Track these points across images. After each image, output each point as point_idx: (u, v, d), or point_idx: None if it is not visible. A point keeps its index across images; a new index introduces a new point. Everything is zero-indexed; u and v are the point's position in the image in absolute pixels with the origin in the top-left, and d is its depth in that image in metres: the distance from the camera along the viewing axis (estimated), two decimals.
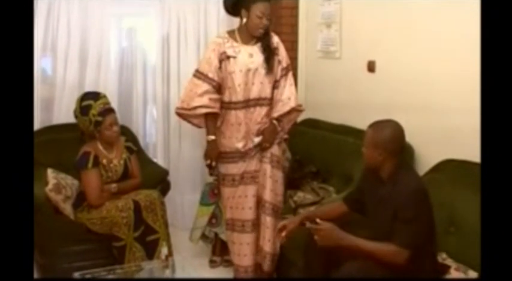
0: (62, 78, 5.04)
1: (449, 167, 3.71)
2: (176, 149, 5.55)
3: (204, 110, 4.05)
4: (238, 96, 4.04)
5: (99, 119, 4.17)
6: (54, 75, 5.08)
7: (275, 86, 4.11)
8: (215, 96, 4.06)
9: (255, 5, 3.92)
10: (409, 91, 4.30)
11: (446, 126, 3.95)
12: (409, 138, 4.20)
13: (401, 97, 4.38)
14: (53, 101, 5.08)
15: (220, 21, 5.46)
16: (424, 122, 4.16)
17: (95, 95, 4.31)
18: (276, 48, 4.13)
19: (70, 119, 4.72)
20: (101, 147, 4.27)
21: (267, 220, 4.06)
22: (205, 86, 4.03)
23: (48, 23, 4.94)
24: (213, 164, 4.11)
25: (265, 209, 4.08)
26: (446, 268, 3.14)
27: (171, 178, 5.06)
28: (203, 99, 4.02)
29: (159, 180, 4.85)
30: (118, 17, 5.35)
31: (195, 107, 4.05)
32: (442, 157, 3.81)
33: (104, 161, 4.25)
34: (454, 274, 3.10)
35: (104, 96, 4.34)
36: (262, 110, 4.09)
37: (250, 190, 4.10)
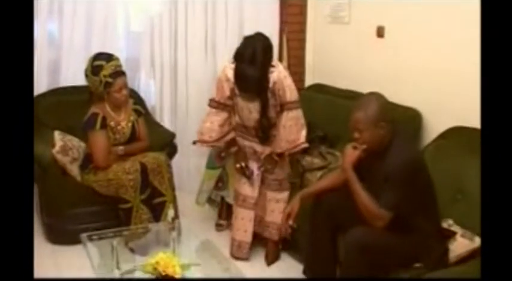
0: (69, 41, 5.03)
1: (457, 134, 3.71)
2: (183, 113, 5.55)
3: (229, 136, 4.17)
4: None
5: (110, 80, 4.14)
6: (61, 38, 5.06)
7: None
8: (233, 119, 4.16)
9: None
10: (418, 57, 4.27)
11: (456, 94, 3.93)
12: (417, 104, 4.22)
13: (410, 63, 4.36)
14: (60, 64, 5.07)
15: None
16: (432, 88, 4.15)
17: (107, 56, 4.26)
18: (275, 83, 3.92)
19: (77, 81, 4.72)
20: (109, 109, 4.25)
21: (274, 195, 4.07)
22: (224, 115, 4.09)
23: None
24: (243, 165, 4.15)
25: (268, 184, 4.06)
26: (452, 233, 3.16)
27: (178, 141, 5.06)
28: (224, 128, 4.12)
29: (166, 143, 4.86)
30: None
31: (219, 139, 4.14)
32: (451, 124, 3.80)
33: (112, 123, 4.24)
34: (459, 240, 3.11)
35: (117, 58, 4.29)
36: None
37: (254, 167, 4.11)
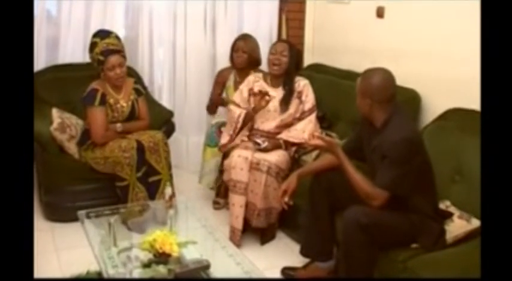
0: (67, 18, 4.99)
1: (456, 116, 3.70)
2: (182, 91, 5.53)
3: (238, 111, 4.39)
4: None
5: (101, 58, 4.14)
6: (60, 15, 5.02)
7: (293, 121, 4.37)
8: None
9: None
10: (418, 38, 4.26)
11: (455, 75, 3.92)
12: (416, 85, 4.21)
13: (410, 44, 4.34)
14: (59, 41, 5.04)
15: None
16: (432, 69, 4.13)
17: (104, 34, 4.26)
18: (301, 92, 4.36)
19: (76, 58, 4.71)
20: (108, 86, 4.25)
21: (263, 177, 4.01)
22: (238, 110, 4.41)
23: None
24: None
25: (260, 166, 4.04)
26: (449, 214, 3.16)
27: (176, 119, 5.06)
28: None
29: (164, 121, 4.85)
30: None
31: (238, 116, 4.37)
32: (449, 105, 3.79)
33: (111, 100, 4.23)
34: (457, 221, 3.12)
35: (114, 37, 4.27)
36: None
37: (245, 153, 4.09)
